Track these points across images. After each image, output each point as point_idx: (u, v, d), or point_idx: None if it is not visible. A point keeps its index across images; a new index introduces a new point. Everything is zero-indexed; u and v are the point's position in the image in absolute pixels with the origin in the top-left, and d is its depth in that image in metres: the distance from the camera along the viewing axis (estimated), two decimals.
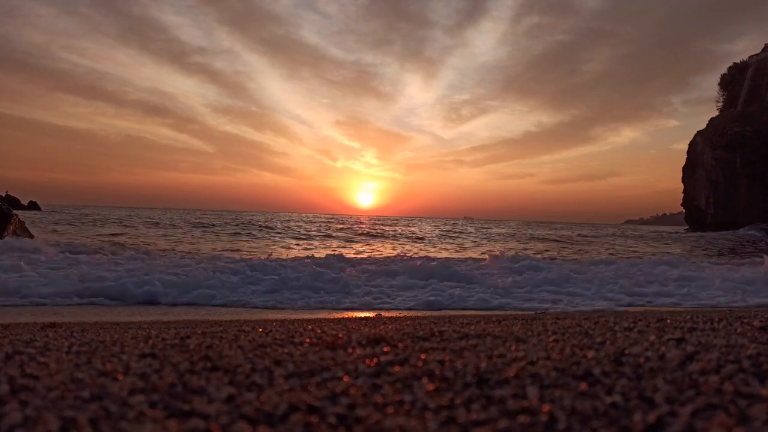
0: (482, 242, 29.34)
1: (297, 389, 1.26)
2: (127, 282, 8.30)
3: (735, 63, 70.15)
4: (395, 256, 15.23)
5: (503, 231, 43.42)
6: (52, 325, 3.87)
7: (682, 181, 66.01)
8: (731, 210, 56.49)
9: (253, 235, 25.59)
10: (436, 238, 30.65)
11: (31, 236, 14.29)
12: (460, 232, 37.17)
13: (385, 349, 1.81)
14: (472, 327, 2.69)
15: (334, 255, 13.08)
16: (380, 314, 6.57)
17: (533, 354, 1.65)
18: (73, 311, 6.93)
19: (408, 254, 17.25)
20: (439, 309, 8.04)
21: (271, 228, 24.40)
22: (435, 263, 11.69)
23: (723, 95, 70.44)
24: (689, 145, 65.49)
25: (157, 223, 33.44)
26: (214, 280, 8.98)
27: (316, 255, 14.50)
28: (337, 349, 1.81)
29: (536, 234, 37.86)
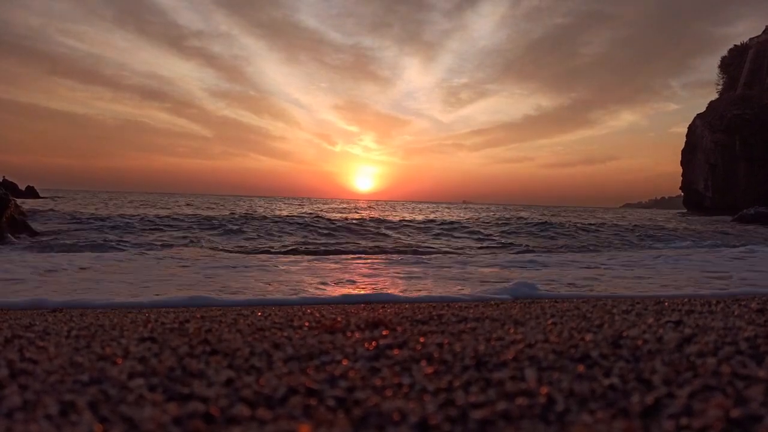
0: None
1: (296, 372, 1.27)
2: None
3: (735, 45, 69.66)
4: None
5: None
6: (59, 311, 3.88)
7: (681, 165, 65.87)
8: (730, 193, 56.44)
9: None
10: None
11: (34, 233, 13.18)
12: None
13: (384, 332, 1.81)
14: (471, 310, 2.70)
15: None
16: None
17: (531, 337, 1.66)
18: None
19: None
20: None
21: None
22: None
23: (723, 78, 70.03)
24: (688, 128, 65.27)
25: None
26: None
27: None
28: (335, 333, 1.82)
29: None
